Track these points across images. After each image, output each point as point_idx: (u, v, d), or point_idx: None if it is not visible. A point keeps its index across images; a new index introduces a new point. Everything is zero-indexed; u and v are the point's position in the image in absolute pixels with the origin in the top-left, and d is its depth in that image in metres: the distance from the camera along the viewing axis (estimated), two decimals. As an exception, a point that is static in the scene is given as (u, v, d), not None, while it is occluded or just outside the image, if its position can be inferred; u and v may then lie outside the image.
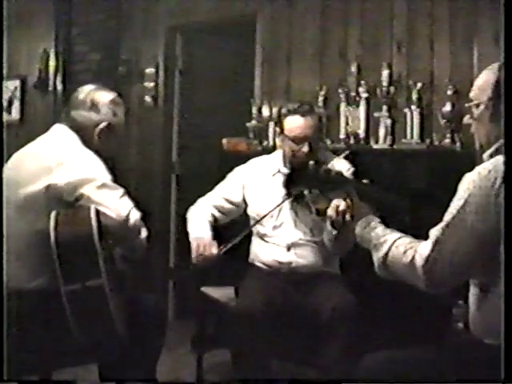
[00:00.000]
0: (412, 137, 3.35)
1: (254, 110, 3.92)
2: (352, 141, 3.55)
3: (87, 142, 2.39)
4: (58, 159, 2.27)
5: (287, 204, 2.78)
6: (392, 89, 3.44)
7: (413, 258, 1.69)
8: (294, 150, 2.82)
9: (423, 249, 1.67)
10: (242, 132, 3.92)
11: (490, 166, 1.64)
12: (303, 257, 2.87)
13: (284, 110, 2.88)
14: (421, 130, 3.34)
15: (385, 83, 3.45)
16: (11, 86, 5.08)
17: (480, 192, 1.62)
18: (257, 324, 2.62)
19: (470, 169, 1.68)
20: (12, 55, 4.91)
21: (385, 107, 3.45)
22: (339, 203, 1.97)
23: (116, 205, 2.24)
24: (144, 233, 2.35)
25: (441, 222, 1.68)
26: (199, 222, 2.95)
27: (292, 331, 2.84)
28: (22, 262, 2.24)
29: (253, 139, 3.87)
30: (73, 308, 2.08)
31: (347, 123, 3.60)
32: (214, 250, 2.75)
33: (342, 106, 3.62)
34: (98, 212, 2.19)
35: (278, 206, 2.70)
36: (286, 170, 2.85)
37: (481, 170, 1.65)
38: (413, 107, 3.35)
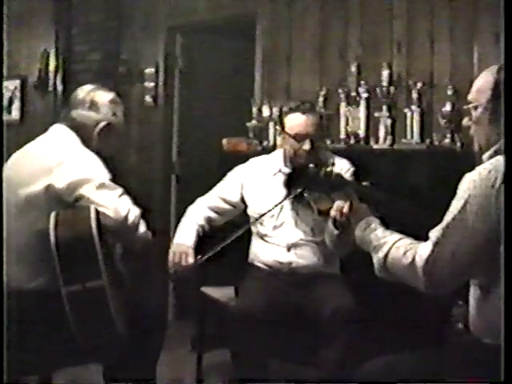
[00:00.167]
0: (412, 137, 3.35)
1: (254, 110, 3.91)
2: (352, 141, 3.55)
3: (87, 141, 2.39)
4: (57, 159, 2.27)
5: (288, 204, 2.78)
6: (392, 89, 3.44)
7: (413, 259, 1.68)
8: (295, 148, 2.82)
9: (423, 250, 1.67)
10: (242, 132, 3.92)
11: (490, 166, 1.64)
12: (303, 257, 2.87)
13: (285, 109, 2.89)
14: (421, 130, 3.34)
15: (385, 83, 3.45)
16: (11, 86, 5.08)
17: (480, 192, 1.62)
18: (257, 324, 2.62)
19: (470, 169, 1.68)
20: (12, 55, 4.92)
21: (385, 107, 3.45)
22: (343, 204, 1.97)
23: (115, 204, 2.24)
24: (143, 227, 2.35)
25: (441, 223, 1.68)
26: (186, 228, 2.94)
27: (292, 331, 2.84)
28: (22, 262, 2.24)
29: (253, 139, 3.87)
30: (73, 308, 2.08)
31: (347, 123, 3.60)
32: (191, 260, 2.75)
33: (342, 106, 3.62)
34: (97, 212, 2.19)
35: (277, 205, 2.69)
36: (287, 170, 2.85)
37: (481, 170, 1.65)
38: (413, 107, 3.35)
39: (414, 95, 3.34)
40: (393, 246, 1.76)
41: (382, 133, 3.46)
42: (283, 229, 2.90)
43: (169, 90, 4.57)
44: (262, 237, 2.94)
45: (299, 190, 2.15)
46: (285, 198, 2.57)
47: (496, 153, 1.69)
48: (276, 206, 2.69)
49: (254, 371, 2.63)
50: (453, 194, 1.68)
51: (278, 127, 3.00)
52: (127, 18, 4.68)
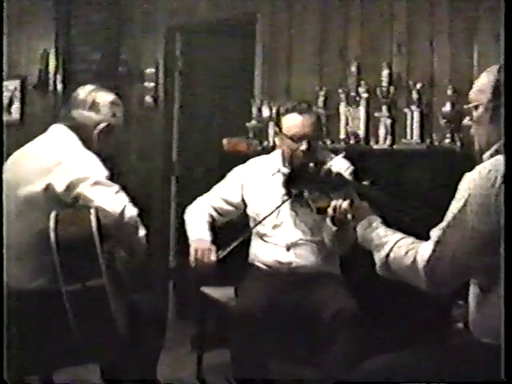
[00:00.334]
0: (412, 137, 3.35)
1: (254, 110, 3.91)
2: (352, 141, 3.55)
3: (86, 141, 2.40)
4: (56, 159, 2.28)
5: (287, 203, 2.77)
6: (392, 89, 3.44)
7: (414, 259, 1.69)
8: (292, 149, 2.81)
9: (424, 250, 1.68)
10: (242, 132, 3.92)
11: (490, 165, 1.64)
12: (303, 257, 2.87)
13: (282, 109, 2.89)
14: (421, 130, 3.34)
15: (385, 83, 3.45)
16: (11, 86, 5.07)
17: (480, 192, 1.62)
18: (257, 324, 2.62)
19: (470, 169, 1.68)
20: (12, 55, 4.91)
21: (385, 107, 3.45)
22: (341, 201, 1.97)
23: (111, 200, 2.24)
24: (142, 231, 2.35)
25: (441, 223, 1.68)
26: (198, 223, 2.93)
27: (292, 331, 2.84)
28: (23, 262, 2.24)
29: (253, 139, 3.87)
30: (73, 308, 2.08)
31: (347, 123, 3.60)
32: (213, 256, 2.74)
33: (342, 106, 3.62)
34: (97, 212, 2.19)
35: (278, 207, 2.69)
36: (285, 170, 2.85)
37: (481, 169, 1.65)
38: (413, 107, 3.35)
39: (414, 95, 3.34)
40: (394, 246, 1.76)
41: (381, 133, 3.46)
42: (282, 229, 2.89)
43: (169, 90, 4.57)
44: (261, 237, 2.94)
45: (298, 190, 2.15)
46: (285, 200, 2.58)
47: (496, 152, 1.69)
48: (277, 208, 2.69)
49: (253, 371, 2.63)
50: (453, 194, 1.68)
51: (275, 128, 2.99)
52: (127, 17, 4.68)
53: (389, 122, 3.44)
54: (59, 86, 4.84)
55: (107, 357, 2.30)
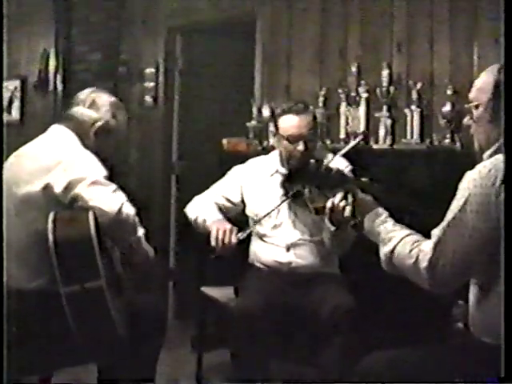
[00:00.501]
0: (412, 137, 3.35)
1: (254, 110, 3.91)
2: (352, 141, 3.54)
3: (84, 140, 2.40)
4: (55, 159, 2.28)
5: (286, 204, 2.78)
6: (392, 89, 3.44)
7: (417, 258, 1.69)
8: (289, 150, 2.82)
9: (426, 249, 1.68)
10: (242, 132, 3.92)
11: (491, 164, 1.64)
12: (303, 257, 2.87)
13: (278, 110, 2.89)
14: (421, 129, 3.34)
15: (385, 83, 3.45)
16: (11, 86, 5.08)
17: (480, 191, 1.62)
18: (257, 324, 2.61)
19: (470, 169, 1.68)
20: (12, 55, 4.91)
21: (385, 107, 3.45)
22: (336, 200, 1.98)
23: (108, 199, 2.23)
24: (141, 231, 2.35)
25: (442, 222, 1.68)
26: (210, 208, 2.91)
27: (292, 331, 2.84)
28: (22, 262, 2.24)
29: (253, 139, 3.87)
30: (72, 309, 2.08)
31: (347, 123, 3.60)
32: (234, 237, 2.71)
33: (342, 106, 3.62)
34: (95, 214, 2.19)
35: (277, 207, 2.69)
36: (284, 170, 2.85)
37: (481, 168, 1.65)
38: (413, 107, 3.35)
39: (414, 95, 3.34)
40: (400, 242, 1.77)
41: (381, 133, 3.45)
42: (282, 229, 2.90)
43: (169, 90, 4.57)
44: (261, 237, 2.94)
45: (297, 190, 2.15)
46: (283, 200, 2.58)
47: (496, 152, 1.69)
48: (276, 207, 2.69)
49: (254, 371, 2.63)
50: (453, 193, 1.68)
51: (272, 128, 2.99)
52: (127, 17, 4.68)
53: (389, 122, 3.44)
54: (59, 86, 4.84)
55: (107, 357, 2.30)
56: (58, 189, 2.23)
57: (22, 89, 5.09)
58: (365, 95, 3.54)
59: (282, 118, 2.84)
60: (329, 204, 2.00)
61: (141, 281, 2.55)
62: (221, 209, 2.96)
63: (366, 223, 1.89)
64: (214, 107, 4.52)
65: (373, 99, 3.53)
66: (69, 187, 2.22)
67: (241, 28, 4.27)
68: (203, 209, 2.92)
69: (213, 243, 2.71)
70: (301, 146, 2.78)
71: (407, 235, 1.78)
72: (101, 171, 2.30)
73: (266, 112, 3.84)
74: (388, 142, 3.43)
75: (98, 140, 2.42)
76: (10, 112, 5.10)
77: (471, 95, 1.80)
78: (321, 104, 3.67)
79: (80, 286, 2.08)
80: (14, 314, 1.98)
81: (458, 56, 3.28)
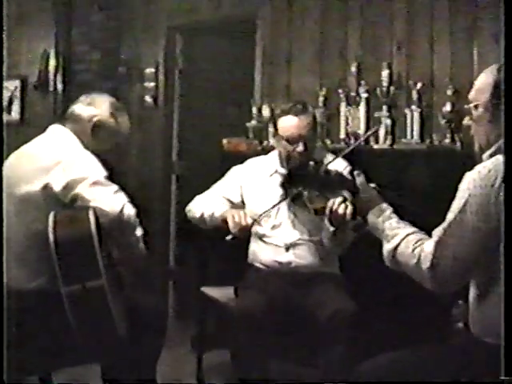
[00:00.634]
0: (412, 137, 3.35)
1: (254, 110, 3.91)
2: (352, 141, 3.54)
3: (83, 139, 2.40)
4: (54, 159, 2.28)
5: (285, 204, 2.78)
6: (392, 89, 3.44)
7: (419, 258, 1.69)
8: (288, 150, 2.82)
9: (428, 249, 1.68)
10: (242, 132, 3.92)
11: (491, 165, 1.64)
12: (302, 257, 2.87)
13: (278, 111, 2.89)
14: (421, 129, 3.34)
15: (385, 83, 3.45)
16: (11, 86, 5.07)
17: (480, 191, 1.62)
18: (256, 324, 2.62)
19: (470, 169, 1.68)
20: (12, 55, 4.91)
21: (385, 107, 3.45)
22: (336, 201, 1.98)
23: (109, 200, 2.24)
24: (139, 231, 2.35)
25: (443, 223, 1.68)
26: (215, 202, 2.92)
27: (292, 331, 2.84)
28: (22, 262, 2.24)
29: (253, 139, 3.87)
30: (73, 309, 2.08)
31: (347, 123, 3.60)
32: (249, 220, 2.71)
33: (342, 106, 3.62)
34: (96, 213, 2.19)
35: (275, 206, 2.69)
36: (283, 171, 2.86)
37: (481, 169, 1.65)
38: (413, 107, 3.35)
39: (414, 95, 3.34)
40: (403, 240, 1.77)
41: (382, 133, 3.46)
42: (281, 229, 2.90)
43: (169, 89, 4.57)
44: (260, 237, 2.94)
45: (296, 190, 2.15)
46: (282, 200, 2.58)
47: (496, 152, 1.69)
48: (274, 206, 2.69)
49: (254, 371, 2.63)
50: (453, 194, 1.68)
51: (271, 129, 2.99)
52: (127, 18, 4.68)
53: (389, 122, 3.44)
54: (59, 86, 4.85)
55: (107, 357, 2.30)
56: (57, 188, 2.23)
57: (22, 89, 5.09)
58: (365, 95, 3.54)
59: (281, 119, 2.84)
60: (329, 204, 2.01)
61: (141, 280, 2.55)
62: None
63: (370, 219, 1.89)
64: (214, 107, 4.52)
65: (373, 99, 3.53)
66: (68, 187, 2.23)
67: (241, 28, 4.27)
68: (209, 204, 2.93)
69: (231, 227, 2.71)
70: (300, 147, 2.78)
71: (411, 233, 1.78)
72: (101, 171, 2.30)
73: (265, 112, 3.84)
74: (388, 141, 3.43)
75: (95, 138, 2.42)
76: (9, 112, 5.10)
77: (471, 96, 1.80)
78: (321, 104, 3.67)
79: (81, 286, 2.08)
80: (14, 314, 1.98)
81: (457, 56, 3.28)
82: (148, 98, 4.56)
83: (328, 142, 3.60)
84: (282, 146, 2.85)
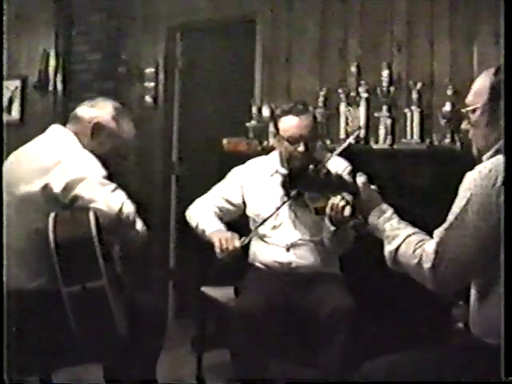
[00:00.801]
0: (412, 137, 3.35)
1: (254, 110, 3.91)
2: (350, 140, 3.54)
3: (82, 139, 2.40)
4: (54, 159, 2.28)
5: (286, 204, 2.77)
6: (392, 89, 3.44)
7: (420, 258, 1.69)
8: (289, 151, 2.82)
9: (429, 250, 1.68)
10: (242, 132, 3.92)
11: (491, 164, 1.64)
12: (303, 257, 2.87)
13: (278, 111, 2.89)
14: (421, 129, 3.34)
15: (385, 83, 3.45)
16: (11, 86, 5.08)
17: (481, 191, 1.62)
18: (257, 324, 2.61)
19: (470, 169, 1.68)
20: (12, 55, 4.91)
21: (385, 107, 3.45)
22: (336, 200, 1.98)
23: (108, 198, 2.24)
24: (140, 224, 2.35)
25: (444, 223, 1.68)
26: (209, 217, 2.92)
27: (291, 331, 2.84)
28: (22, 262, 2.24)
29: (253, 139, 3.87)
30: (73, 309, 2.08)
31: (347, 123, 3.60)
32: (237, 243, 2.72)
33: (342, 106, 3.62)
34: (96, 213, 2.19)
35: (278, 208, 2.69)
36: (283, 171, 2.86)
37: (481, 168, 1.65)
38: (413, 107, 3.35)
39: (414, 95, 3.35)
40: (404, 241, 1.76)
41: (381, 133, 3.46)
42: (282, 229, 2.90)
43: (169, 90, 4.57)
44: (261, 237, 2.94)
45: (297, 191, 2.15)
46: (285, 202, 2.58)
47: (496, 153, 1.69)
48: (276, 210, 2.69)
49: (253, 371, 2.63)
50: (453, 194, 1.68)
51: (272, 129, 2.99)
52: (127, 18, 4.68)
53: (389, 122, 3.44)
54: (59, 86, 4.85)
55: (107, 357, 2.30)
56: (57, 189, 2.23)
57: (22, 89, 5.09)
58: (365, 95, 3.54)
59: (282, 119, 2.84)
60: (329, 204, 2.01)
61: (141, 281, 2.55)
62: (221, 214, 2.96)
63: (371, 220, 1.89)
64: (214, 107, 4.51)
65: (373, 99, 3.53)
66: (68, 187, 2.23)
67: (241, 28, 4.27)
68: (202, 217, 2.93)
69: (217, 252, 2.73)
70: (301, 147, 2.78)
71: (412, 234, 1.78)
72: (100, 171, 2.30)
73: (266, 112, 3.84)
74: (388, 141, 3.43)
75: (94, 139, 2.42)
76: (9, 112, 5.10)
77: (468, 100, 1.79)
78: (321, 104, 3.67)
79: (81, 286, 2.08)
80: (14, 314, 1.98)
81: (457, 56, 3.29)
82: (148, 98, 4.56)
83: (328, 141, 3.60)
84: (283, 147, 2.85)
